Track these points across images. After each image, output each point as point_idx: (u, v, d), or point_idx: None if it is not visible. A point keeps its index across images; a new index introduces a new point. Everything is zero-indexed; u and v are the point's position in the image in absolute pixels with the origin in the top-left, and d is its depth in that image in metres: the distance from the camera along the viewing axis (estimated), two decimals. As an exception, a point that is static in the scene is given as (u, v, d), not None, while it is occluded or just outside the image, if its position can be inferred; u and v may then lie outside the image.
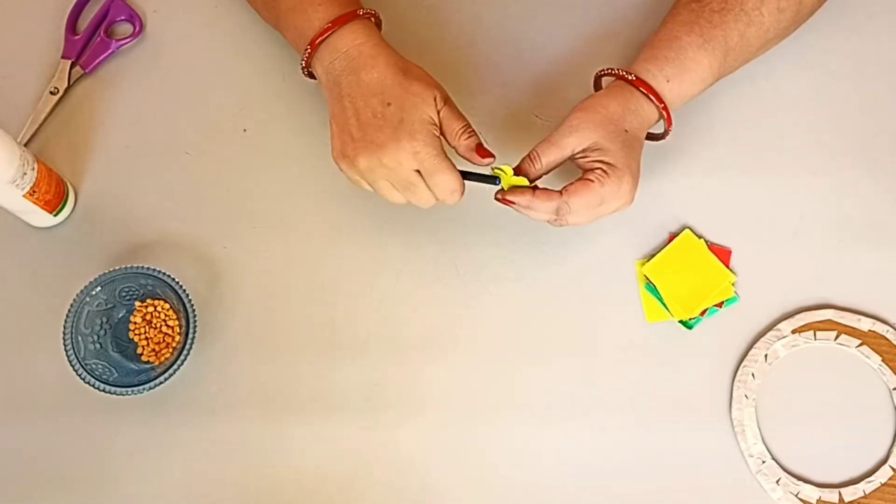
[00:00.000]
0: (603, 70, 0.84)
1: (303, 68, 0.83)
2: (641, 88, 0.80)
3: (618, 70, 0.82)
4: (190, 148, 0.91)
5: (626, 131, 0.79)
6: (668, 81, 0.81)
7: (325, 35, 0.80)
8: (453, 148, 0.79)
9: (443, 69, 0.92)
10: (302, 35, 0.82)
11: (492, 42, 0.94)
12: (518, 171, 0.79)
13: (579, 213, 0.78)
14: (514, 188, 0.79)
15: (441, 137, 0.79)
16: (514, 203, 0.79)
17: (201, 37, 0.95)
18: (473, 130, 0.79)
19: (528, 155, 0.79)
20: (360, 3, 0.84)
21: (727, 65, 0.83)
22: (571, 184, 0.78)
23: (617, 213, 0.87)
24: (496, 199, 0.80)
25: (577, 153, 0.79)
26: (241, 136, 0.92)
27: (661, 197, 0.89)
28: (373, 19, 0.83)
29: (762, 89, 0.92)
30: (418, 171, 0.77)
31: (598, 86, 0.87)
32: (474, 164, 0.79)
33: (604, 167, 0.77)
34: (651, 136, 0.85)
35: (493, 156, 0.79)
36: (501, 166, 0.79)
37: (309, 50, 0.81)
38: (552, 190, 0.78)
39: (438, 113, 0.78)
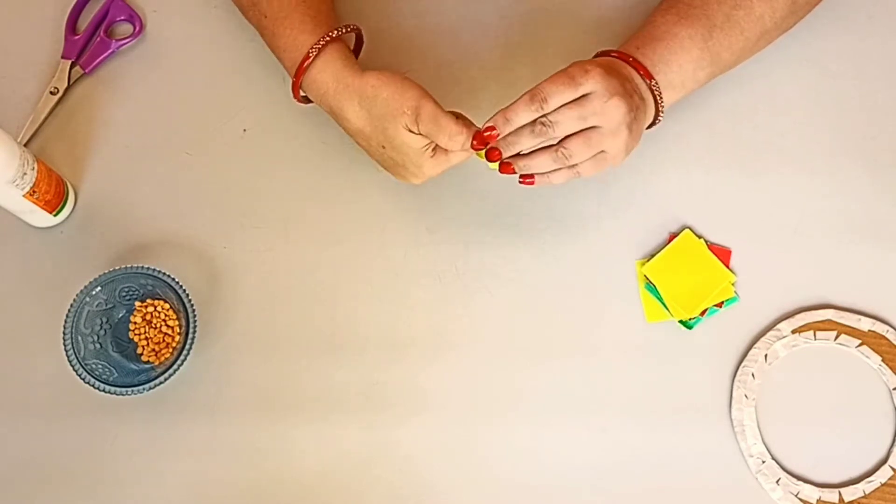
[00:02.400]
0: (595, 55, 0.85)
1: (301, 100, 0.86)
2: (617, 56, 0.81)
3: (601, 51, 0.84)
4: (190, 148, 0.91)
5: (612, 68, 0.79)
6: (637, 49, 0.82)
7: (299, 84, 0.83)
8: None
9: (442, 67, 0.92)
10: (288, 64, 0.84)
11: (492, 41, 0.94)
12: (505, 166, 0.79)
13: (565, 114, 0.75)
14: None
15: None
16: (494, 129, 0.76)
17: (201, 37, 0.95)
18: (461, 129, 0.76)
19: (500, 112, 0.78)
20: (329, 23, 0.84)
21: (716, 41, 0.82)
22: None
23: (617, 211, 0.88)
24: (473, 149, 0.77)
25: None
26: (241, 136, 0.92)
27: (661, 197, 0.89)
28: (342, 37, 0.83)
29: (762, 89, 0.92)
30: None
31: None
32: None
33: (585, 66, 0.76)
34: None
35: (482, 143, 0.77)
36: None
37: (296, 99, 0.85)
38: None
39: (420, 132, 0.78)
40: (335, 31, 0.82)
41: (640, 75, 0.81)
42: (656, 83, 0.81)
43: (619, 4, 0.94)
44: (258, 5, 0.86)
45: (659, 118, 0.83)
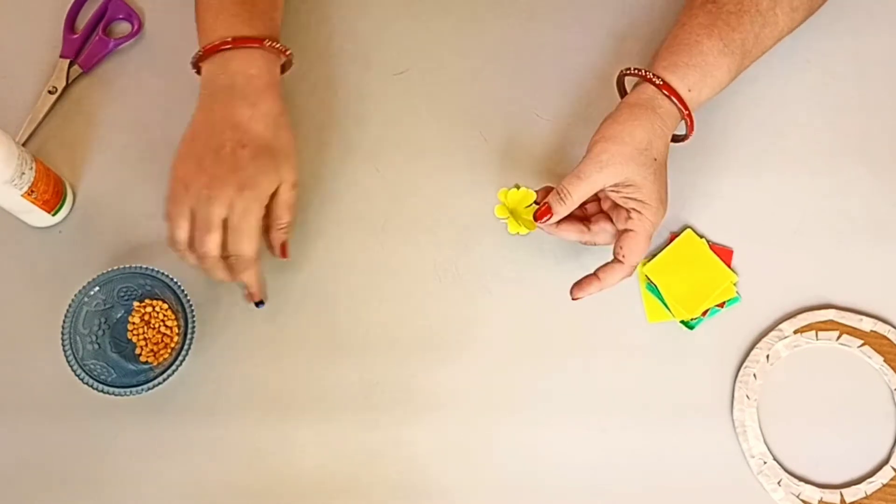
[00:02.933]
0: (627, 70, 0.82)
1: (192, 64, 0.82)
2: (669, 94, 0.79)
3: (644, 72, 0.80)
4: (189, 147, 0.91)
5: (655, 160, 0.78)
6: (689, 91, 0.80)
7: (220, 50, 0.80)
8: (265, 232, 0.81)
9: (443, 66, 0.92)
10: (203, 34, 0.82)
11: (492, 40, 0.93)
12: (544, 207, 0.79)
13: (639, 253, 0.79)
14: (582, 281, 0.81)
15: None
16: (550, 212, 0.79)
17: (200, 36, 0.94)
18: (291, 227, 0.82)
19: (557, 191, 0.78)
20: (276, 32, 0.84)
21: (743, 67, 0.83)
22: (619, 245, 0.79)
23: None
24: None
25: (608, 187, 0.78)
26: (241, 136, 0.91)
27: (662, 197, 0.89)
28: (282, 56, 0.83)
29: (763, 89, 0.92)
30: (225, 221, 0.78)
31: (620, 85, 0.85)
32: (273, 255, 0.83)
33: (637, 207, 0.78)
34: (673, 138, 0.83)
35: (286, 257, 0.84)
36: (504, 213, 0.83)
37: (201, 54, 0.81)
38: (610, 262, 0.80)
39: (276, 194, 0.79)
40: (280, 46, 0.82)
41: (686, 123, 0.81)
42: (693, 126, 0.81)
43: (633, 16, 0.94)
44: None
45: (687, 140, 0.84)
